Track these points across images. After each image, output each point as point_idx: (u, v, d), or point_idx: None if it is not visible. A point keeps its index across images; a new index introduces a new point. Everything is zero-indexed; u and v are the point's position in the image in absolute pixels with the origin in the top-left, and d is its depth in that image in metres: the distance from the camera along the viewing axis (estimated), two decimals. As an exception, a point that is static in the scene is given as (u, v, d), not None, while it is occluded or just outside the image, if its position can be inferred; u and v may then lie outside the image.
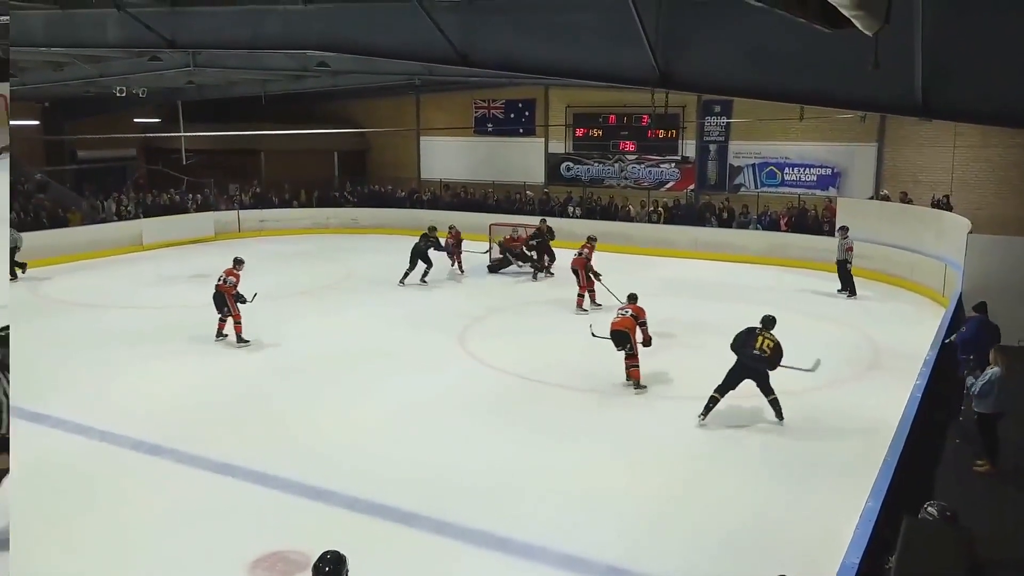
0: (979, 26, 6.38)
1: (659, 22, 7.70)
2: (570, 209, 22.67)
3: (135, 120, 25.29)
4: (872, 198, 19.40)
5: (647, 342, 10.25)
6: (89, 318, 13.80)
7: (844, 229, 15.73)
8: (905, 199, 18.15)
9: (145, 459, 7.98)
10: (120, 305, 14.82)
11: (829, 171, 21.64)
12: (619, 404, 9.62)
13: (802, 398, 9.20)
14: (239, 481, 7.48)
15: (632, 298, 10.59)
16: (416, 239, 16.68)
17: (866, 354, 11.66)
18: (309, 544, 6.31)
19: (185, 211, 22.94)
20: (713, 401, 8.86)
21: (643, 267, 15.02)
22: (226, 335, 12.06)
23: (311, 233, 23.59)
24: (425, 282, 16.34)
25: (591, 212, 22.43)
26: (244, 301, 11.85)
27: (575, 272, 14.35)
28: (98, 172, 24.47)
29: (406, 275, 16.22)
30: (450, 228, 17.82)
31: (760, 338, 8.84)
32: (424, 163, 27.33)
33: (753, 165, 22.59)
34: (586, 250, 14.46)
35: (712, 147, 23.08)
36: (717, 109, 22.58)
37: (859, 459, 7.46)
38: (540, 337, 12.59)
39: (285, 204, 24.90)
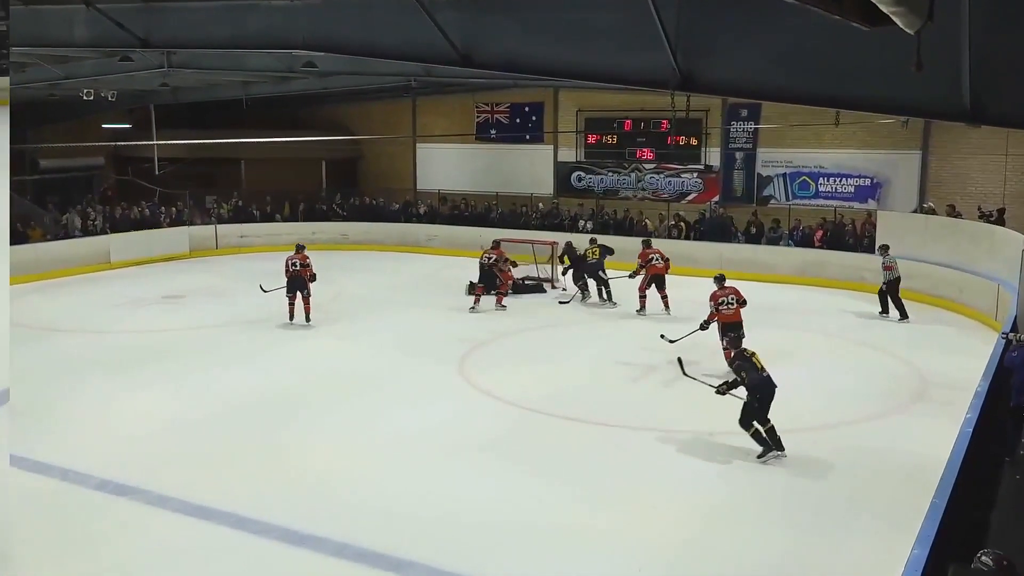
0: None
1: (680, 20, 7.74)
2: (580, 223, 22.72)
3: (103, 126, 25.47)
4: (916, 211, 19.41)
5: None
6: (51, 344, 13.80)
7: (884, 248, 15.72)
8: (953, 212, 18.11)
9: (111, 499, 7.96)
10: (85, 329, 14.87)
11: (868, 181, 21.68)
12: (629, 439, 9.58)
13: (838, 431, 9.17)
14: (215, 524, 7.45)
15: (721, 279, 11.65)
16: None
17: (910, 384, 11.61)
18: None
19: (157, 226, 23.00)
20: (771, 432, 8.70)
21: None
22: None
23: (296, 250, 23.59)
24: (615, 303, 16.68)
25: (604, 226, 22.42)
26: (315, 279, 14.54)
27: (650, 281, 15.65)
28: (62, 183, 24.64)
29: (603, 294, 16.70)
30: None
31: (755, 359, 8.88)
32: (421, 173, 27.48)
33: (784, 175, 22.64)
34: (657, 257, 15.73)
35: (738, 155, 23.14)
36: (744, 114, 22.67)
37: (903, 501, 7.41)
38: (546, 365, 12.60)
39: (267, 218, 24.98)
